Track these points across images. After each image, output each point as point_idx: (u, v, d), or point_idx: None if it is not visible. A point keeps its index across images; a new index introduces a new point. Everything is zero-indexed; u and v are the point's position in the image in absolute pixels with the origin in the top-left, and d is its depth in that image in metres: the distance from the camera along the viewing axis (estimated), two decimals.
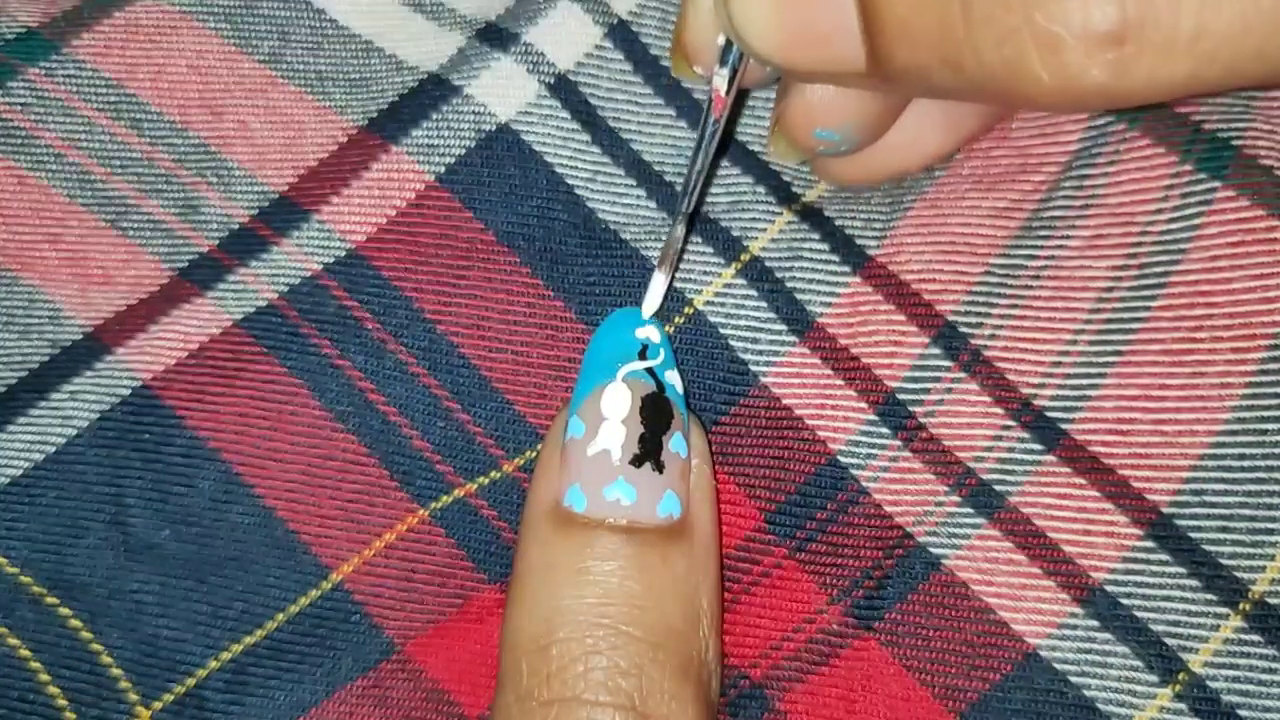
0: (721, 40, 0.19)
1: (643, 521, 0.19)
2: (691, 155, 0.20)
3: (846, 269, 0.21)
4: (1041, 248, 0.21)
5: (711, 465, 0.20)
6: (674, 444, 0.19)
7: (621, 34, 0.23)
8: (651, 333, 0.21)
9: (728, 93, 0.19)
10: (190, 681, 0.20)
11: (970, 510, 0.20)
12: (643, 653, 0.18)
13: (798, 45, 0.17)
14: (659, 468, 0.19)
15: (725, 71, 0.19)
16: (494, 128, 0.22)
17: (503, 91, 0.22)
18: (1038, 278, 0.21)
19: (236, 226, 0.23)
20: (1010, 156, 0.22)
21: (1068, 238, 0.21)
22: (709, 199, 0.22)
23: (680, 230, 0.20)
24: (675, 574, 0.19)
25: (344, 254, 0.22)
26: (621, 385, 0.20)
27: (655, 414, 0.19)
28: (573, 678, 0.18)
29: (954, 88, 0.16)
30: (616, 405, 0.19)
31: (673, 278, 0.21)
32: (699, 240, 0.22)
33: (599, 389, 0.20)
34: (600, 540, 0.18)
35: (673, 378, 0.20)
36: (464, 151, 0.22)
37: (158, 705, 0.20)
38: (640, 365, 0.20)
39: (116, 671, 0.21)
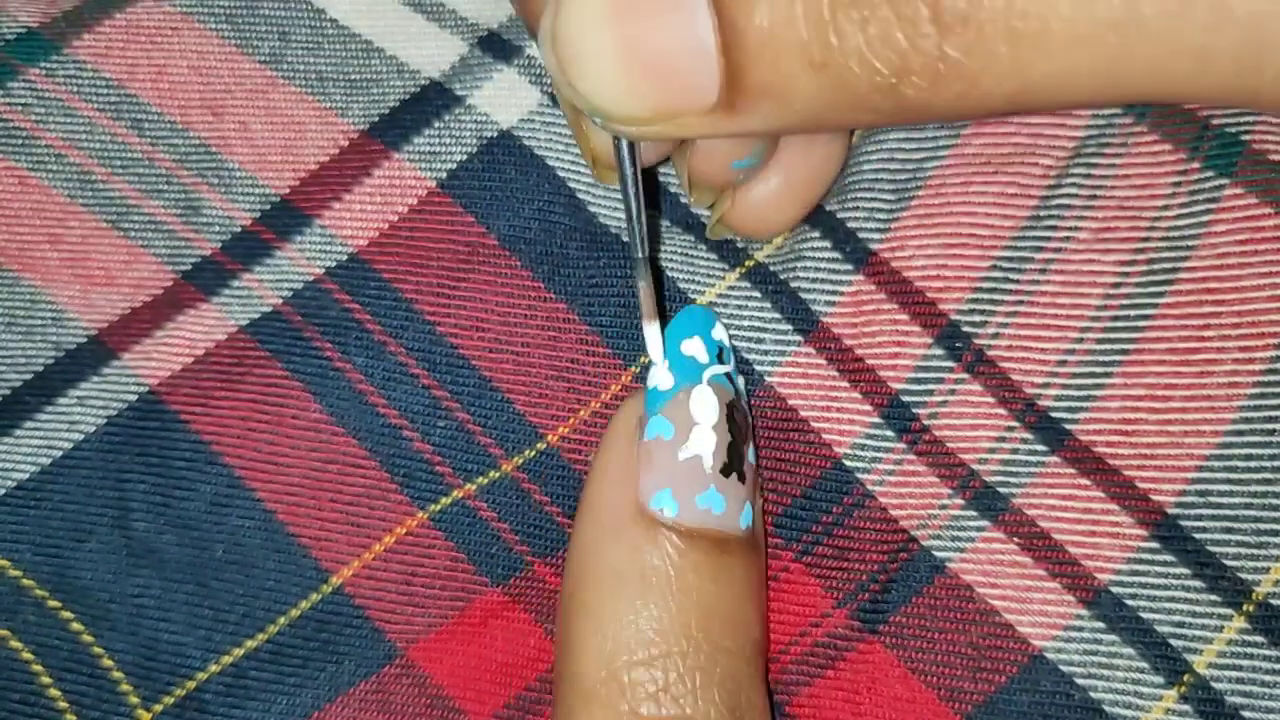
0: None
1: (729, 532, 0.18)
2: (625, 208, 0.19)
3: (849, 267, 0.21)
4: (1049, 239, 0.21)
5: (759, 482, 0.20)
6: (750, 454, 0.19)
7: None
8: (724, 335, 0.20)
9: (630, 161, 0.18)
10: (190, 684, 0.20)
11: (974, 513, 0.20)
12: (739, 667, 0.18)
13: (647, 83, 0.14)
14: (743, 478, 0.19)
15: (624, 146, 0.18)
16: (496, 134, 0.22)
17: (505, 100, 0.22)
18: (1044, 272, 0.21)
19: (239, 229, 0.23)
20: (1020, 136, 0.21)
21: (1076, 229, 0.21)
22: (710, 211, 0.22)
23: (646, 279, 0.19)
24: (752, 585, 0.19)
25: (345, 258, 0.22)
26: (709, 389, 0.19)
27: (739, 422, 0.19)
28: (681, 695, 0.17)
29: (820, 105, 0.14)
30: (707, 410, 0.19)
31: (664, 324, 0.21)
32: (703, 247, 0.22)
33: (686, 390, 0.19)
34: (694, 550, 0.18)
35: (741, 384, 0.20)
36: (465, 157, 0.22)
37: (158, 708, 0.20)
38: (722, 369, 0.20)
39: (118, 674, 0.21)
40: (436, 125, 0.22)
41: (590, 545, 0.19)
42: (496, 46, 0.23)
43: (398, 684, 0.21)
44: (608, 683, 0.18)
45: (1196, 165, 0.21)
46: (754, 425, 0.20)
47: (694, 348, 0.20)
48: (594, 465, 0.19)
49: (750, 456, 0.19)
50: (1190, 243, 0.20)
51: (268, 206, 0.23)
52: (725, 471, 0.19)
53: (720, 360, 0.20)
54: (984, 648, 0.20)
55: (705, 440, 0.19)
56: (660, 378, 0.19)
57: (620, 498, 0.19)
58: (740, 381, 0.20)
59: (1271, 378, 0.20)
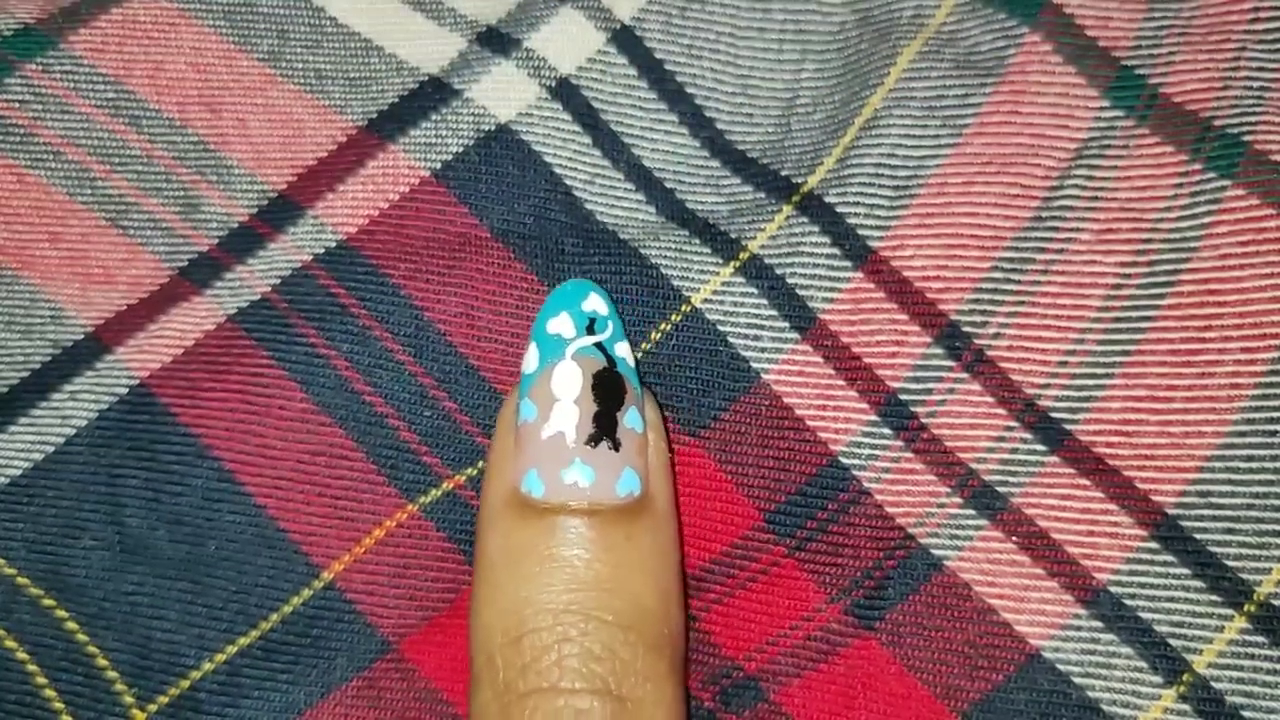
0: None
1: (603, 502, 0.18)
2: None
3: (848, 264, 0.21)
4: (1051, 240, 0.21)
5: (667, 437, 0.20)
6: (629, 419, 0.19)
7: (625, 39, 0.23)
8: (599, 304, 0.20)
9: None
10: (185, 683, 0.20)
11: (972, 511, 0.20)
12: (614, 636, 0.18)
13: None
14: (615, 445, 0.19)
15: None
16: (493, 127, 0.22)
17: (503, 94, 0.22)
18: (1045, 273, 0.21)
19: (236, 225, 0.22)
20: (1022, 136, 0.21)
21: (1078, 230, 0.21)
22: (708, 207, 0.22)
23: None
24: (641, 552, 0.19)
25: (334, 244, 0.22)
26: (571, 363, 0.19)
27: (608, 390, 0.19)
28: (547, 667, 0.18)
29: None
30: (567, 384, 0.19)
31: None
32: (696, 240, 0.22)
33: (548, 368, 0.19)
34: (562, 525, 0.18)
35: (623, 350, 0.20)
36: (462, 149, 0.22)
37: (153, 708, 0.20)
38: (589, 340, 0.19)
39: (112, 674, 0.21)
40: (434, 118, 0.22)
41: (477, 534, 0.19)
42: (495, 41, 0.23)
43: (389, 679, 0.21)
44: (487, 665, 0.18)
45: (1198, 167, 0.20)
46: (646, 389, 0.20)
47: (559, 325, 0.20)
48: (486, 460, 0.20)
49: (631, 421, 0.19)
50: (1192, 244, 0.20)
51: (265, 203, 0.23)
52: (593, 441, 0.19)
53: (591, 331, 0.20)
54: (981, 646, 0.20)
55: (566, 415, 0.19)
56: (527, 361, 0.20)
57: (499, 486, 0.19)
58: (624, 348, 0.20)
59: (1273, 379, 0.20)
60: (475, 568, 0.19)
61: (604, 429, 0.19)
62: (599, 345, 0.20)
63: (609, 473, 0.19)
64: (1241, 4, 0.21)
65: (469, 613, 0.19)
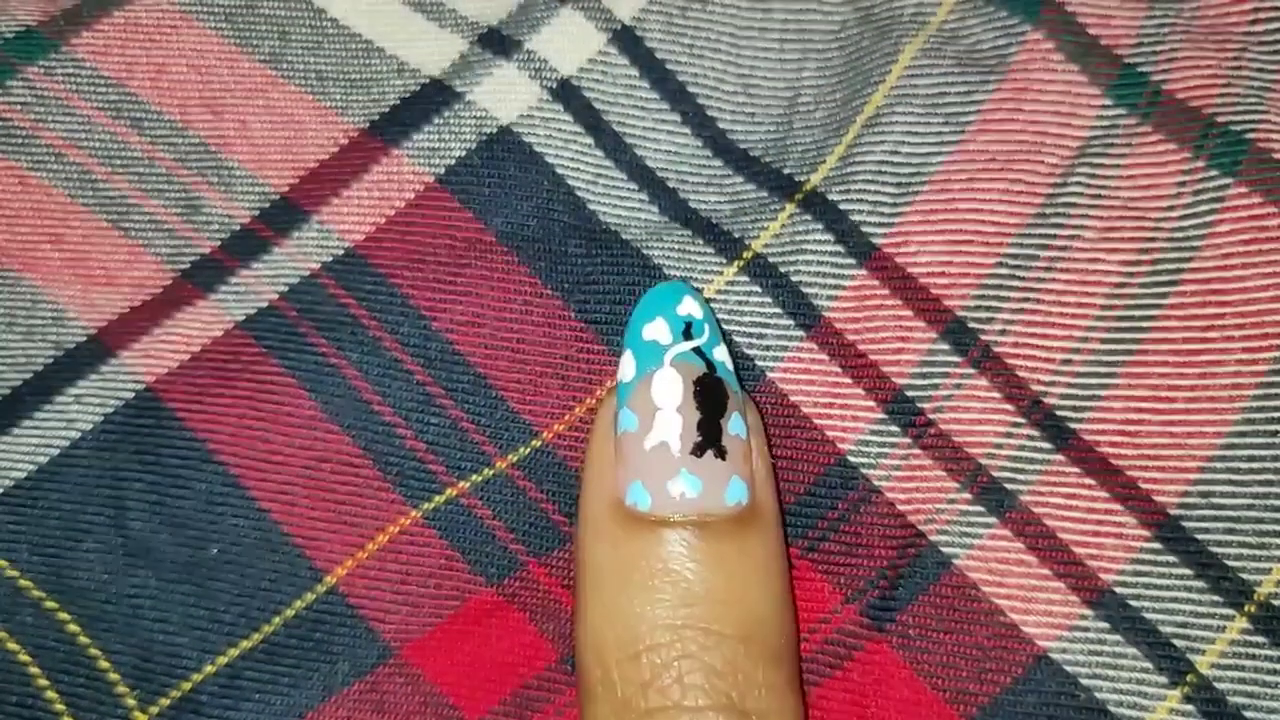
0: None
1: (712, 512, 0.18)
2: None
3: (852, 261, 0.21)
4: (1055, 237, 0.21)
5: (768, 441, 0.20)
6: (733, 426, 0.18)
7: (626, 39, 0.23)
8: (693, 308, 0.19)
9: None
10: (186, 686, 0.20)
11: (982, 509, 0.20)
12: (734, 649, 0.17)
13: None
14: (721, 454, 0.18)
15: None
16: (495, 130, 0.22)
17: (504, 96, 0.22)
18: (1050, 270, 0.21)
19: (238, 227, 0.22)
20: (1024, 134, 0.21)
21: (1082, 227, 0.21)
22: (711, 207, 0.22)
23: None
24: (753, 561, 0.18)
25: (342, 252, 0.22)
26: (671, 370, 0.19)
27: (710, 397, 0.18)
28: (669, 685, 0.17)
29: None
30: (669, 392, 0.18)
31: None
32: (700, 241, 0.22)
33: (647, 376, 0.19)
34: (672, 538, 0.18)
35: (721, 354, 0.19)
36: (464, 153, 0.22)
37: (154, 710, 0.20)
38: (687, 346, 0.19)
39: (114, 676, 0.20)
40: (436, 121, 0.22)
41: (581, 546, 0.19)
42: (496, 42, 0.23)
43: (392, 683, 0.20)
44: (604, 680, 0.18)
45: (1201, 164, 0.21)
46: (744, 393, 0.20)
47: (655, 330, 0.19)
48: (583, 468, 0.19)
49: (735, 428, 0.19)
50: (1195, 242, 0.20)
51: (267, 205, 0.22)
52: (698, 450, 0.18)
53: (688, 335, 0.19)
54: (989, 648, 0.20)
55: (669, 425, 0.18)
56: (624, 369, 0.19)
57: (601, 497, 0.18)
58: (722, 352, 0.19)
59: (1275, 379, 0.20)
60: (581, 579, 0.18)
61: (709, 437, 0.18)
62: (697, 350, 0.19)
63: (716, 483, 0.18)
64: (1241, 5, 0.21)
65: (575, 623, 0.19)
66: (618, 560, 0.18)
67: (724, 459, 0.18)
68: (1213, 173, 0.20)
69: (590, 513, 0.19)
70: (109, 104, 0.23)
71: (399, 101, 0.23)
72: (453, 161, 0.22)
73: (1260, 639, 0.19)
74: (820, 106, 0.23)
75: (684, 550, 0.18)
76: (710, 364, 0.19)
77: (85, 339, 0.22)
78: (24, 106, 0.23)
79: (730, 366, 0.19)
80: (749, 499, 0.18)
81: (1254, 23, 0.21)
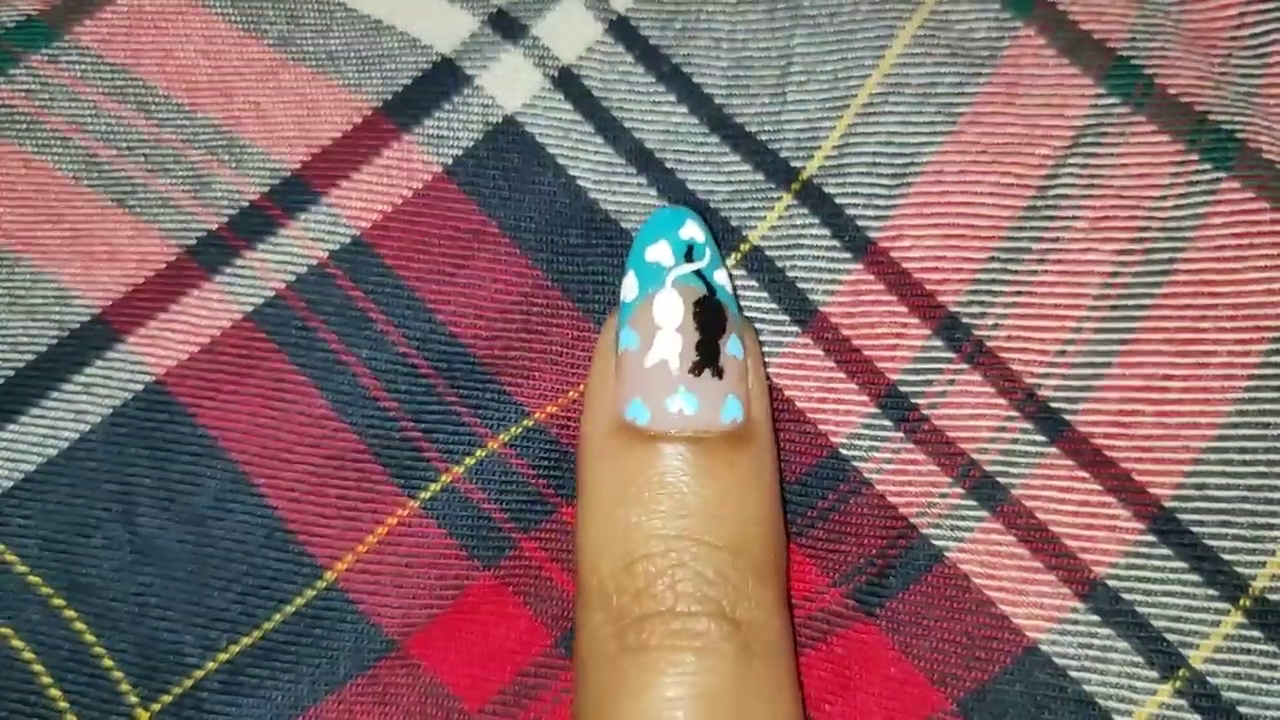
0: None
1: (708, 429, 0.18)
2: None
3: (848, 256, 0.21)
4: (1047, 229, 0.21)
5: (763, 363, 0.20)
6: (730, 347, 0.19)
7: (621, 29, 0.23)
8: (696, 232, 0.20)
9: None
10: (188, 682, 0.20)
11: (974, 502, 0.20)
12: (725, 560, 0.18)
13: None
14: (718, 373, 0.19)
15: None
16: (500, 120, 0.22)
17: (510, 83, 0.22)
18: (1042, 262, 0.21)
19: (246, 204, 0.22)
20: (1017, 125, 0.21)
21: (1074, 218, 0.21)
22: (709, 188, 0.22)
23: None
24: (744, 478, 0.19)
25: (349, 240, 0.22)
26: (672, 291, 0.19)
27: (709, 318, 0.19)
28: (661, 592, 0.18)
29: None
30: (670, 313, 0.19)
31: None
32: None
33: (649, 297, 0.19)
34: (668, 452, 0.18)
35: (721, 278, 0.20)
36: (472, 143, 0.22)
37: (156, 707, 0.20)
38: (689, 268, 0.19)
39: (118, 674, 0.20)
40: (446, 107, 0.22)
41: (581, 461, 0.19)
42: (505, 25, 0.23)
43: (393, 676, 0.21)
44: (598, 589, 0.18)
45: (1195, 157, 0.21)
46: (742, 316, 0.20)
47: (658, 252, 0.20)
48: (585, 387, 0.20)
49: (733, 349, 0.19)
50: (1187, 234, 0.20)
51: (277, 181, 0.23)
52: (696, 369, 0.19)
53: (690, 258, 0.20)
54: (979, 637, 0.20)
55: (669, 343, 0.19)
56: (626, 289, 0.20)
57: (602, 414, 0.19)
58: (722, 275, 0.20)
59: (1266, 371, 0.20)
60: (581, 493, 0.19)
61: (707, 357, 0.19)
62: (699, 273, 0.19)
63: (713, 401, 0.19)
64: (1227, 10, 0.22)
65: (575, 535, 0.19)
66: (616, 474, 0.18)
67: (721, 378, 0.19)
68: (1206, 166, 0.21)
69: (589, 428, 0.19)
70: (115, 89, 0.23)
71: (411, 80, 0.23)
72: (460, 152, 0.22)
73: (1256, 633, 0.19)
74: (811, 78, 0.22)
75: (680, 464, 0.18)
76: (710, 286, 0.19)
77: (90, 318, 0.22)
78: (28, 93, 0.23)
79: (730, 290, 0.20)
80: (744, 417, 0.19)
81: (1239, 28, 0.21)
